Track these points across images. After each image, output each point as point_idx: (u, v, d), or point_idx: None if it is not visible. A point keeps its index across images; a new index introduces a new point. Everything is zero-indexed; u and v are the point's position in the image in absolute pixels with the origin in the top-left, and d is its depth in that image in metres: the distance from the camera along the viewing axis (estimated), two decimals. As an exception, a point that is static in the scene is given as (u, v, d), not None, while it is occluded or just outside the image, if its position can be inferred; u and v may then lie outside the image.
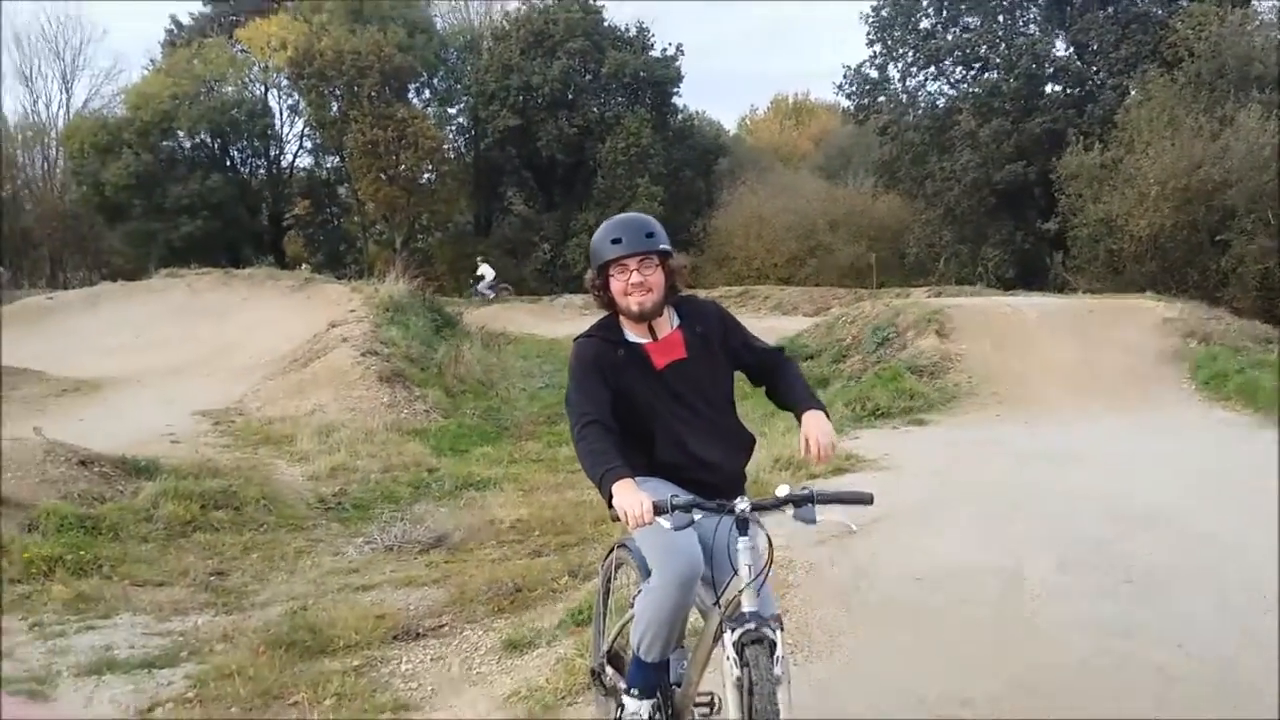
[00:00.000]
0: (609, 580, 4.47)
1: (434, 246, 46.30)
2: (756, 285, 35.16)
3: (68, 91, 53.63)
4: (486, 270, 36.28)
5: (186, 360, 18.22)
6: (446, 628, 6.86)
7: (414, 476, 11.47)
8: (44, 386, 16.32)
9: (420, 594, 7.56)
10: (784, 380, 3.83)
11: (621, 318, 3.75)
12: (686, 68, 47.52)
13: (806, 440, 3.57)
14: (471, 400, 15.86)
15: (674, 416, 3.69)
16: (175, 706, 5.72)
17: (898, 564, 6.59)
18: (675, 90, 47.41)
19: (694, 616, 3.89)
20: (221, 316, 21.26)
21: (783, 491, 3.41)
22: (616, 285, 3.64)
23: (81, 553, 8.10)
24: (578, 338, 3.86)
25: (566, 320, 29.71)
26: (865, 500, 3.49)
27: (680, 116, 48.64)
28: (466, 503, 10.38)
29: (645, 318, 3.66)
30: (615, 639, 4.28)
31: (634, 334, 3.73)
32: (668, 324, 3.75)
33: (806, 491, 3.39)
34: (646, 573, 3.77)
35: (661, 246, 3.65)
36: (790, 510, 3.38)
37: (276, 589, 7.94)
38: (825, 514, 3.41)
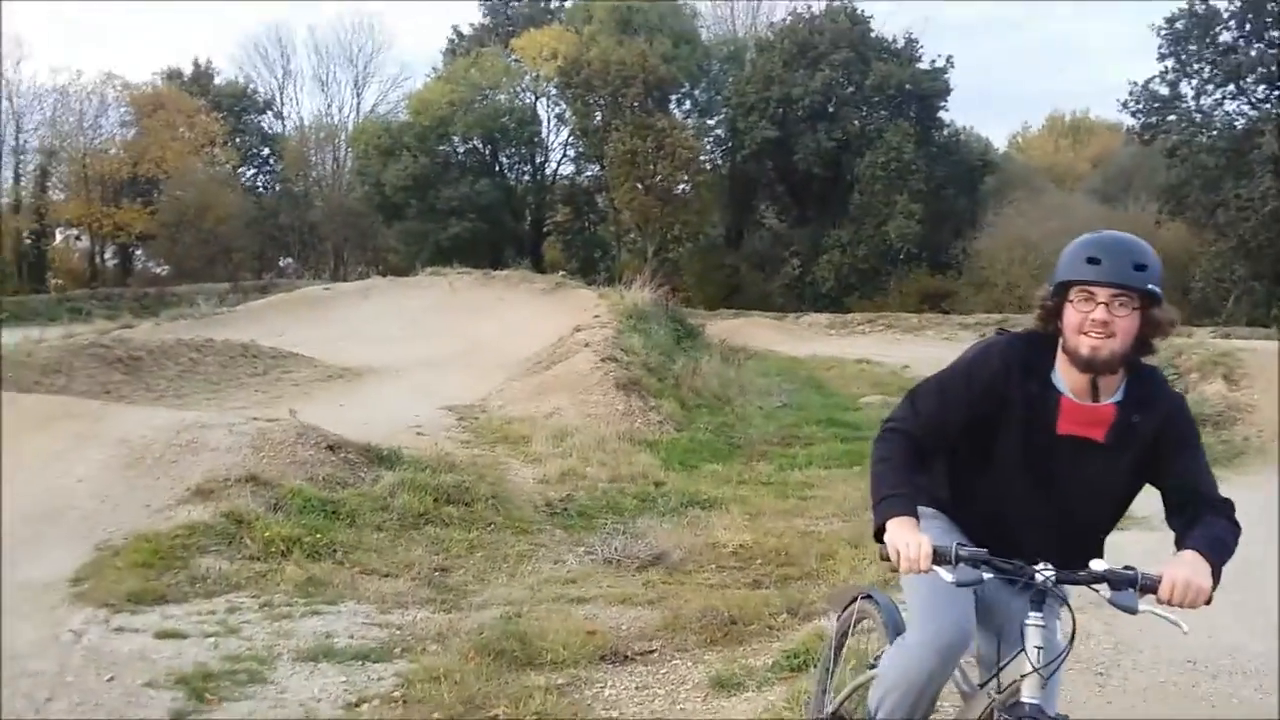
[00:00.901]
0: (845, 633, 4.00)
1: (684, 257, 46.74)
2: (1018, 314, 33.19)
3: (358, 96, 57.85)
4: None
5: (442, 354, 19.01)
6: (656, 654, 6.58)
7: (640, 489, 11.30)
8: (313, 371, 17.44)
9: (634, 614, 7.31)
10: (1200, 525, 2.83)
11: (1061, 352, 2.92)
12: (955, 81, 45.76)
13: (1172, 582, 2.68)
14: (706, 415, 15.62)
15: (1034, 496, 2.99)
16: (381, 705, 5.71)
17: (1166, 642, 5.76)
18: (942, 104, 45.82)
19: (948, 690, 3.37)
20: (477, 314, 22.09)
21: (1099, 565, 2.75)
22: (1072, 316, 2.80)
23: (318, 536, 8.37)
24: (998, 333, 3.14)
25: (811, 339, 29.10)
26: (1203, 602, 2.70)
27: (946, 131, 46.94)
28: (690, 521, 10.09)
29: (1092, 368, 2.83)
30: (845, 700, 3.80)
31: (1063, 377, 2.93)
32: (1109, 390, 2.91)
33: (1131, 573, 2.70)
34: (896, 631, 3.31)
35: (1150, 286, 2.75)
36: (1106, 591, 2.73)
37: (494, 591, 7.92)
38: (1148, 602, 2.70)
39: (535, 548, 9.20)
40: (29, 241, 45.31)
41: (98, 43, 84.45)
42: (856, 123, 44.84)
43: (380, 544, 8.64)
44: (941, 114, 46.37)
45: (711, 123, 51.62)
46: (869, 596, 3.70)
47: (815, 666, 5.53)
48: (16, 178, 45.88)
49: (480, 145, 50.47)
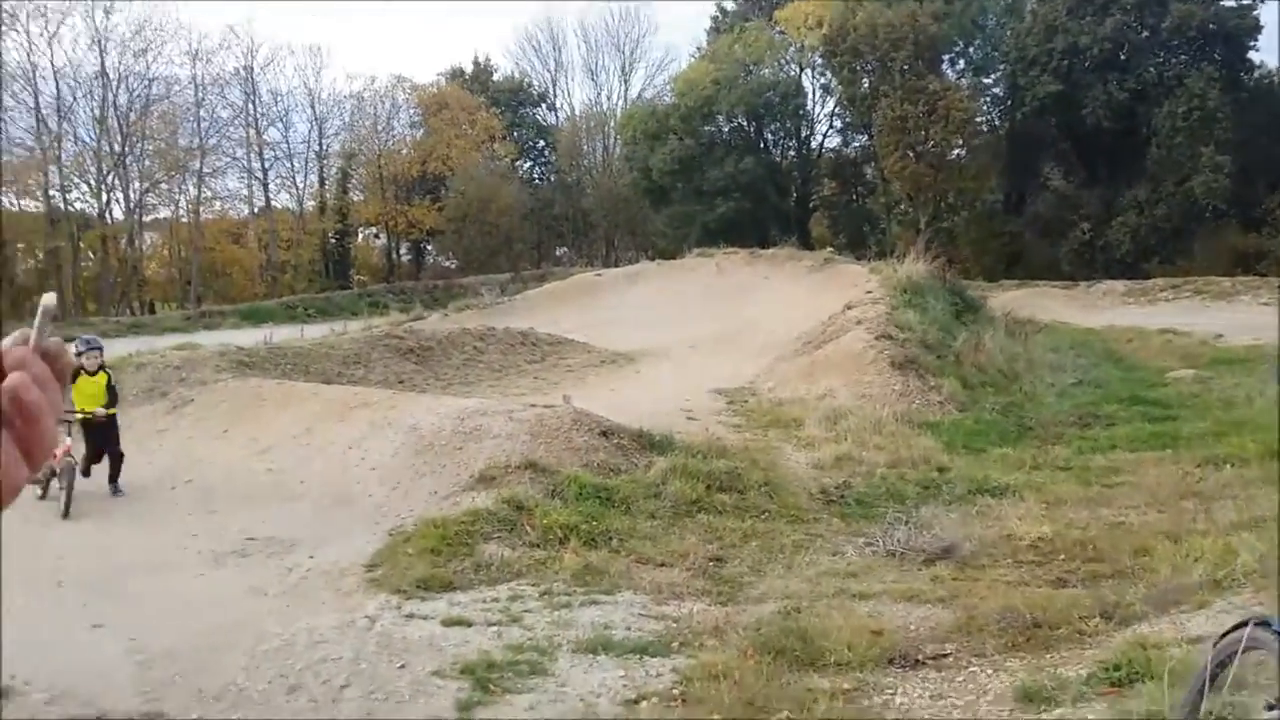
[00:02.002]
0: (1224, 662, 3.42)
1: (959, 226, 44.54)
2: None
3: (625, 83, 58.97)
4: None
5: (710, 336, 18.93)
6: (950, 658, 6.06)
7: (923, 475, 10.66)
8: (586, 357, 17.83)
9: (922, 612, 6.80)
10: None
11: None
12: (1266, 17, 40.85)
13: None
14: (991, 394, 14.63)
15: None
16: (659, 703, 5.55)
17: None
18: (1252, 43, 41.04)
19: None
20: (745, 295, 21.88)
21: None
22: None
23: (594, 523, 8.39)
24: None
25: (1105, 308, 26.92)
26: None
27: (1257, 74, 42.04)
28: (979, 510, 9.38)
29: None
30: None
31: None
32: None
33: None
34: None
35: None
36: None
37: (771, 584, 7.62)
38: None
39: (811, 537, 8.82)
40: (334, 241, 49.37)
41: (388, 47, 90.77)
42: (1153, 70, 40.91)
43: (654, 532, 8.56)
44: (1251, 55, 41.63)
45: (988, 81, 48.93)
46: (1264, 624, 3.16)
47: (1143, 682, 4.88)
48: (321, 181, 50.11)
49: (745, 123, 50.27)
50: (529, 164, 61.18)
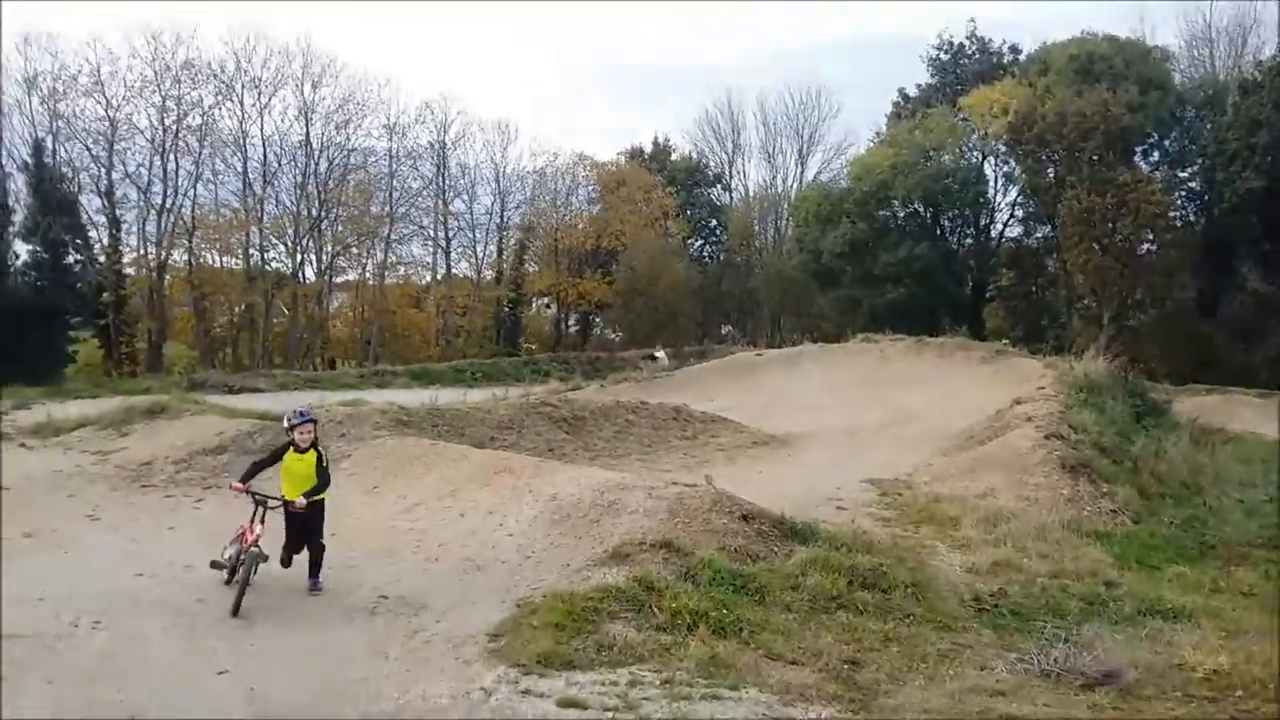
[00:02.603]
0: None
1: (1146, 324, 42.17)
2: None
3: (802, 165, 59.07)
4: (662, 355, 34.20)
5: (867, 424, 18.35)
6: (1103, 800, 5.47)
7: (1088, 589, 9.86)
8: (738, 437, 17.53)
9: (1075, 744, 6.19)
10: None
11: None
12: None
13: None
14: (1170, 506, 13.53)
15: None
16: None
17: None
18: None
19: None
20: (908, 383, 21.19)
21: None
22: None
23: (725, 611, 8.05)
24: None
25: (1307, 419, 24.82)
26: None
27: None
28: (1149, 634, 8.56)
29: None
30: None
31: None
32: None
33: None
34: None
35: None
36: None
37: (910, 695, 7.10)
38: None
39: (959, 648, 8.22)
40: (507, 309, 50.87)
41: (572, 127, 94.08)
42: (1365, 168, 38.26)
43: (788, 626, 8.14)
44: None
45: (1184, 175, 46.68)
46: None
47: None
48: (500, 251, 51.86)
49: (921, 208, 49.47)
50: (700, 242, 61.81)
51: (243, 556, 8.19)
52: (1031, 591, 9.74)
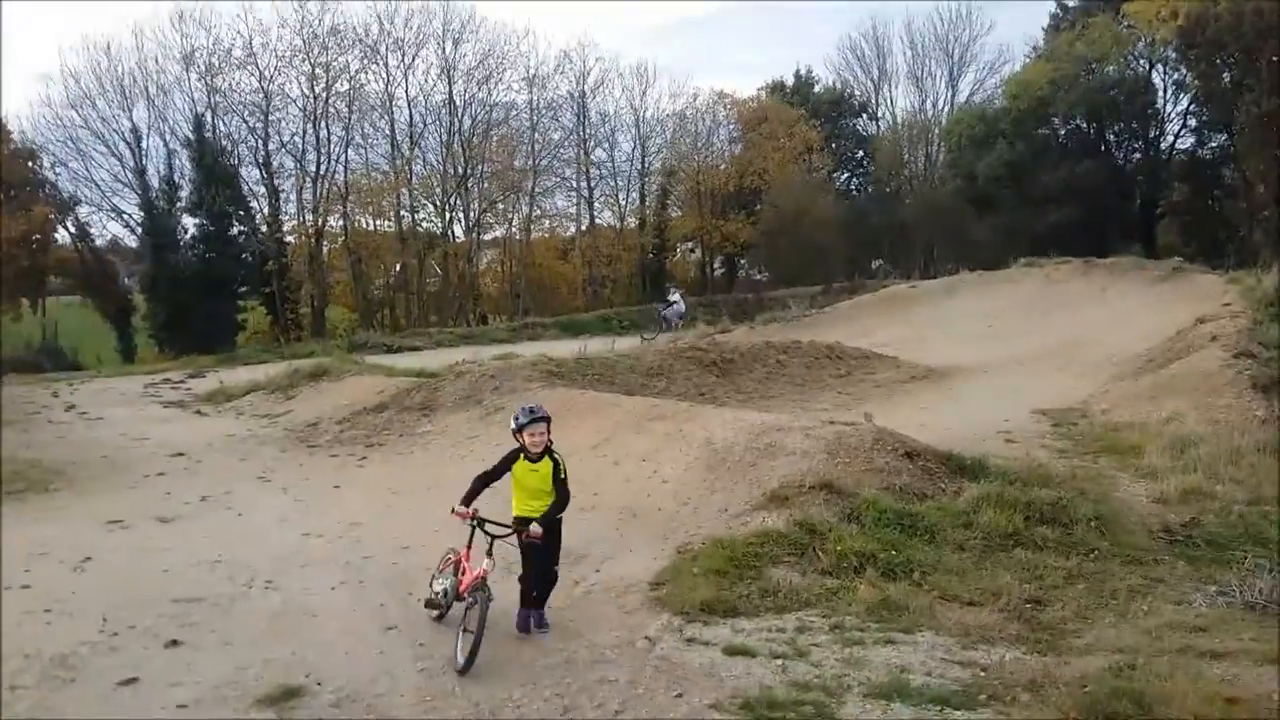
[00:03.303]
0: None
1: (1338, 232, 38.84)
2: None
3: (953, 88, 56.46)
4: (678, 298, 30.58)
5: (1034, 352, 17.47)
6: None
7: (1293, 514, 9.08)
8: (895, 373, 16.93)
9: (1292, 681, 5.64)
10: None
11: None
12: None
13: None
14: (1383, 423, 12.38)
15: None
16: (959, 767, 4.87)
17: None
18: None
19: None
20: (1076, 308, 20.09)
21: None
22: None
23: (894, 553, 7.73)
24: None
25: None
26: None
27: None
28: (1365, 563, 7.80)
29: None
30: None
31: None
32: None
33: None
34: None
35: None
36: None
37: (1101, 633, 6.66)
38: None
39: (1151, 583, 7.67)
40: (651, 256, 50.62)
41: (711, 65, 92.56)
42: None
43: (962, 566, 7.74)
44: None
45: (1376, 68, 42.66)
46: None
47: None
48: (642, 198, 51.57)
49: (1084, 124, 46.70)
50: (846, 175, 60.06)
51: (466, 596, 6.43)
52: (1228, 520, 9.05)
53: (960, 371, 16.55)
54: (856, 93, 59.21)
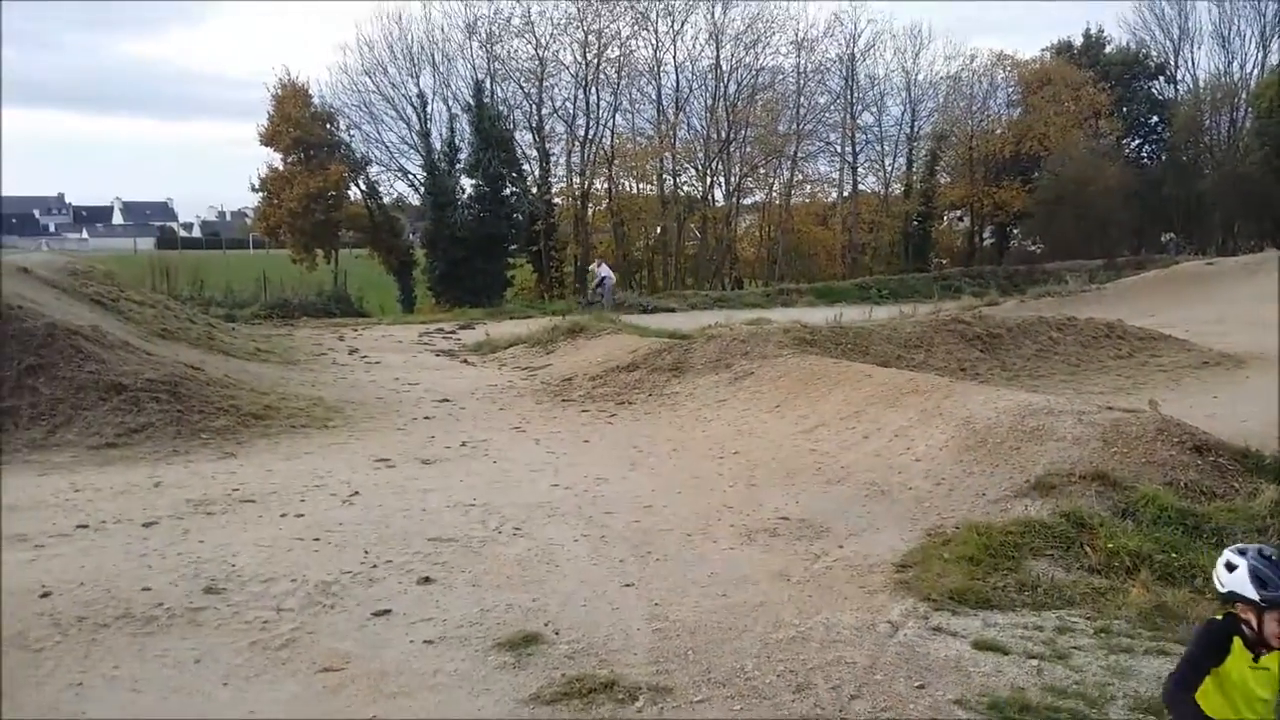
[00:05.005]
0: None
1: None
2: None
3: (1263, 48, 50.82)
4: (605, 271, 28.85)
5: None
6: None
7: None
8: (1185, 357, 15.47)
9: None
10: None
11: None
12: None
13: None
14: None
15: None
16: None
17: None
18: None
19: None
20: None
21: None
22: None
23: (1173, 555, 6.99)
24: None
25: None
26: None
27: None
28: None
29: None
30: None
31: None
32: None
33: None
34: None
35: None
36: None
37: None
38: None
39: None
40: (916, 224, 48.79)
41: (990, 22, 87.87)
42: None
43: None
44: None
45: None
46: None
47: None
48: (909, 164, 49.73)
49: None
50: (1137, 142, 55.47)
51: None
52: None
53: (1261, 360, 14.88)
54: (1153, 54, 54.38)
